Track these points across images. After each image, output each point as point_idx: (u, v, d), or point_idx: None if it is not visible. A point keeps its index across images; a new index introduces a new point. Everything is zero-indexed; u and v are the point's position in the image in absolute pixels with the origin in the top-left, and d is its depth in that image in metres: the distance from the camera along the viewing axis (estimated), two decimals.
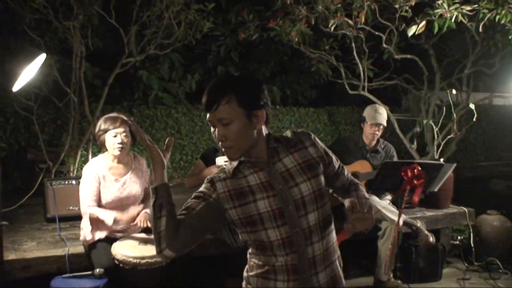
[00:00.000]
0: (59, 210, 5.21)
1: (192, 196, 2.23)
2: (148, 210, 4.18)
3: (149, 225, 4.04)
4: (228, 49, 9.77)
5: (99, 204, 4.07)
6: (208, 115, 2.17)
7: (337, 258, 2.32)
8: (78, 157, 6.52)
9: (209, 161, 4.70)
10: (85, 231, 4.05)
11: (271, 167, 2.20)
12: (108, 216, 3.98)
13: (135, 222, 4.09)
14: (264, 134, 2.23)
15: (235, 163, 2.23)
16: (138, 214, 4.14)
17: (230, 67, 10.12)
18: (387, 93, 8.56)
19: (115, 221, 4.00)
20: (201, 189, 2.25)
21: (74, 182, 5.46)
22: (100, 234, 4.08)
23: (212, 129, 2.19)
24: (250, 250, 2.30)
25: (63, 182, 5.52)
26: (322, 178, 2.26)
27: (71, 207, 5.31)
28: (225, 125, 2.12)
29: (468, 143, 11.64)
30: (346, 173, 2.44)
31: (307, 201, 2.17)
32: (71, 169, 6.46)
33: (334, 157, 2.38)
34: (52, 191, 5.34)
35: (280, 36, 6.71)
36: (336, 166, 2.39)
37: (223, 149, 2.17)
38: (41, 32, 6.49)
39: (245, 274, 2.34)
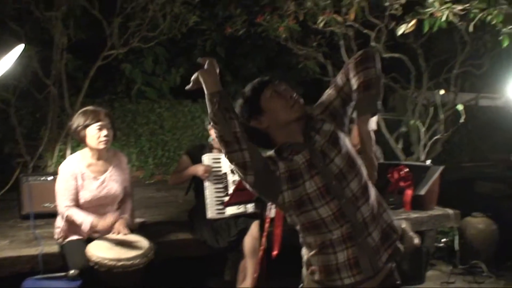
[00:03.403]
0: (34, 207, 5.05)
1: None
2: (125, 216, 4.08)
3: (126, 232, 3.94)
4: (214, 43, 9.65)
5: (77, 204, 3.92)
6: (269, 85, 2.33)
7: (384, 210, 2.40)
8: (56, 151, 6.40)
9: (196, 158, 4.61)
10: (64, 229, 3.93)
11: (310, 146, 2.26)
12: (85, 220, 3.82)
13: (112, 232, 3.94)
14: None
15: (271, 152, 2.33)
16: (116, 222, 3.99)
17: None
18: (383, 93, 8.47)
19: (92, 227, 3.84)
20: (265, 159, 2.26)
21: (50, 178, 5.28)
22: (78, 237, 3.95)
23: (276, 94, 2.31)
24: (301, 233, 2.36)
25: (39, 178, 5.35)
26: (347, 142, 2.35)
27: (47, 204, 5.12)
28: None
29: (454, 144, 11.61)
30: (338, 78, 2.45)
31: (345, 172, 2.25)
32: (49, 164, 6.33)
33: (326, 97, 2.44)
34: (27, 187, 5.18)
35: (268, 31, 6.62)
36: (332, 92, 2.42)
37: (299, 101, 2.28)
38: (22, 22, 6.35)
39: (304, 258, 2.42)
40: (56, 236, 4.03)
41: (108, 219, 3.88)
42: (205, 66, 2.20)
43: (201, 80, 2.18)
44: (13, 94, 6.26)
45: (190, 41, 9.64)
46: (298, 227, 2.34)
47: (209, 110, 2.15)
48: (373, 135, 2.28)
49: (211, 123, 2.16)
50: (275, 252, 3.63)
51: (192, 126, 9.04)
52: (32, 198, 5.11)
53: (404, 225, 5.10)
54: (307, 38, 7.09)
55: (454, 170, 9.95)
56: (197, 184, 4.64)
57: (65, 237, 3.95)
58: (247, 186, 2.23)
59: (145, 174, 8.72)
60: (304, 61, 7.42)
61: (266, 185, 2.22)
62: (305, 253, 2.41)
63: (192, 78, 2.22)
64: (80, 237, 3.93)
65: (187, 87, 2.28)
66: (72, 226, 3.91)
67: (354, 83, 2.29)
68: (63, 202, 3.88)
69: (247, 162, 2.14)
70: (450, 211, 5.90)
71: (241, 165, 2.14)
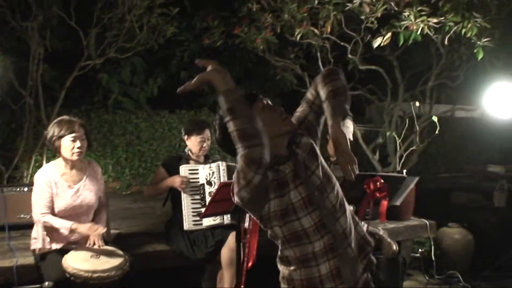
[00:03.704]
0: (9, 218, 4.96)
1: None
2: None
3: (102, 243, 3.92)
4: (192, 54, 9.64)
5: (52, 213, 3.88)
6: (259, 98, 2.39)
7: (357, 223, 2.47)
8: (32, 162, 6.36)
9: (172, 169, 4.60)
10: (41, 239, 3.88)
11: (294, 158, 2.31)
12: (64, 224, 3.79)
13: (88, 243, 3.92)
14: None
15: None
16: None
17: (194, 72, 9.89)
18: (351, 103, 8.52)
19: (71, 231, 3.80)
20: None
21: (26, 189, 5.21)
22: (56, 246, 3.92)
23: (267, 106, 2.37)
24: (281, 246, 2.37)
25: (14, 189, 5.27)
26: (321, 158, 2.41)
27: (22, 215, 5.05)
28: None
29: (430, 155, 11.67)
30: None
31: (325, 184, 2.33)
32: (25, 175, 6.27)
33: (300, 113, 2.55)
34: (2, 198, 5.09)
35: (245, 43, 6.63)
36: (305, 107, 2.54)
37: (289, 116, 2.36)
38: None
39: (285, 272, 2.41)
40: (32, 247, 3.98)
41: (87, 224, 3.87)
42: (210, 67, 2.18)
43: (213, 78, 2.14)
44: None
45: (168, 51, 9.63)
46: (278, 241, 2.36)
47: (226, 106, 2.12)
48: (349, 143, 2.29)
49: (227, 118, 2.13)
50: (250, 263, 3.63)
51: (169, 137, 9.00)
52: (7, 209, 5.03)
53: (381, 232, 5.15)
54: (284, 50, 7.11)
55: (430, 180, 10.03)
56: (174, 195, 4.62)
57: (42, 248, 3.90)
58: (239, 196, 2.20)
59: (122, 185, 8.64)
60: (281, 72, 7.44)
61: (261, 191, 2.20)
62: (283, 269, 2.42)
63: (199, 77, 2.17)
64: (58, 246, 3.90)
65: (186, 87, 2.21)
66: (51, 233, 3.88)
67: (323, 94, 2.40)
68: (38, 209, 3.85)
69: (263, 159, 2.14)
70: (426, 221, 5.95)
71: (258, 161, 2.12)
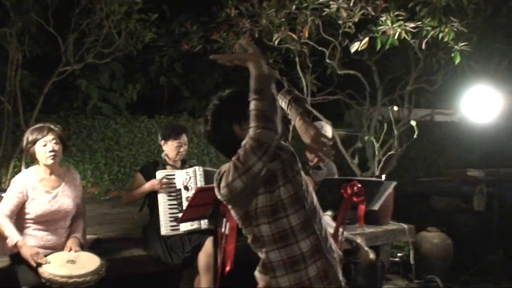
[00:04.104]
0: None
1: None
2: (77, 235, 4.02)
3: (78, 249, 3.89)
4: (171, 60, 9.63)
5: (27, 218, 3.86)
6: None
7: (326, 233, 2.48)
8: (11, 168, 6.31)
9: (149, 175, 4.57)
10: (11, 236, 3.75)
11: (279, 158, 2.33)
12: (13, 236, 3.72)
13: (66, 249, 3.88)
14: None
15: None
16: (62, 240, 3.96)
17: (173, 78, 9.97)
18: (330, 107, 8.58)
19: (16, 246, 3.71)
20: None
21: (3, 194, 5.15)
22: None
23: None
24: (267, 248, 2.33)
25: None
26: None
27: None
28: None
29: (409, 159, 11.76)
30: None
31: (306, 186, 2.38)
32: (3, 180, 6.23)
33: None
34: None
35: (224, 48, 6.62)
36: None
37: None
38: None
39: (269, 281, 2.36)
40: (8, 246, 3.87)
41: (33, 249, 3.75)
42: (251, 50, 2.26)
43: (251, 59, 2.21)
44: None
45: (147, 57, 9.63)
46: (260, 246, 2.34)
47: (255, 86, 2.16)
48: (330, 142, 2.37)
49: (253, 96, 2.16)
50: (227, 268, 3.61)
51: (148, 142, 8.97)
52: None
53: (359, 240, 5.17)
54: (263, 55, 7.10)
55: (410, 185, 10.10)
56: (151, 200, 4.59)
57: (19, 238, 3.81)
58: (231, 187, 2.21)
59: (101, 190, 8.60)
60: None
61: (255, 183, 2.22)
62: (265, 278, 2.37)
63: (238, 56, 2.28)
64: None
65: (221, 57, 2.31)
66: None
67: (285, 105, 2.47)
68: (1, 209, 3.82)
69: (271, 147, 2.15)
70: (405, 225, 5.96)
71: (266, 146, 2.13)
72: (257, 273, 2.42)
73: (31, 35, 6.73)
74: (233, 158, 2.19)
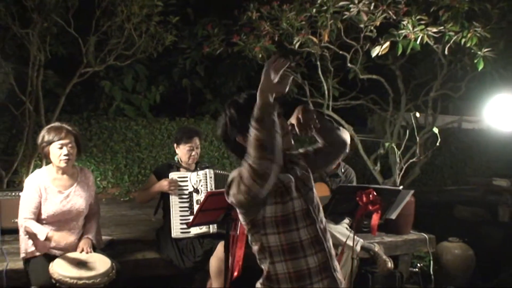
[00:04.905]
0: (4, 222, 5.03)
1: None
2: (90, 236, 4.04)
3: (91, 251, 3.92)
4: (194, 62, 9.63)
5: (39, 218, 3.86)
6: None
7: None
8: (32, 167, 6.35)
9: (162, 176, 4.57)
10: (25, 243, 3.84)
11: (291, 172, 2.39)
12: (41, 231, 3.74)
13: (78, 250, 3.90)
14: None
15: None
16: (75, 240, 3.96)
17: (195, 80, 9.97)
18: (353, 112, 8.49)
19: (47, 238, 3.73)
20: None
21: (21, 193, 5.22)
22: (38, 253, 3.88)
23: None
24: (273, 259, 2.30)
25: (9, 194, 5.35)
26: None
27: (16, 220, 5.05)
28: None
29: (435, 167, 11.59)
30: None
31: (318, 205, 2.44)
32: (24, 179, 6.26)
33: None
34: None
35: (244, 51, 6.58)
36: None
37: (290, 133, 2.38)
38: None
39: None
40: (21, 251, 3.94)
41: (67, 236, 3.81)
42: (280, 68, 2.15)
43: (278, 82, 2.14)
44: None
45: (171, 59, 9.64)
46: (271, 251, 2.29)
47: (258, 115, 2.09)
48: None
49: (254, 124, 2.09)
50: (235, 274, 3.57)
51: (168, 144, 8.93)
52: (2, 213, 5.10)
53: (376, 248, 5.07)
54: (285, 58, 7.03)
55: (435, 193, 9.94)
56: (165, 203, 4.59)
57: (25, 252, 3.87)
58: (236, 198, 2.19)
59: (121, 191, 8.63)
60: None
61: (260, 200, 2.21)
62: None
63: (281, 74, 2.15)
64: (39, 253, 3.86)
65: (276, 61, 2.16)
66: (33, 240, 3.83)
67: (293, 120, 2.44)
68: (22, 214, 3.83)
69: (270, 176, 2.09)
70: (425, 235, 5.85)
71: (266, 176, 2.08)
72: (259, 286, 2.38)
73: (54, 36, 6.79)
74: (236, 175, 2.17)
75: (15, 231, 4.87)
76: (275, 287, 2.30)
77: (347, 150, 2.58)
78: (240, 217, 2.36)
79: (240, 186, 2.14)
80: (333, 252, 2.41)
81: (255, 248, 2.35)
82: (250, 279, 2.52)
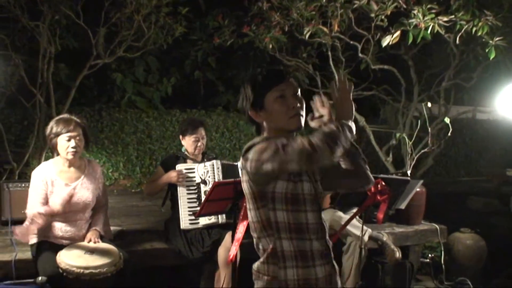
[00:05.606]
0: (14, 213, 5.02)
1: None
2: (98, 227, 4.05)
3: (98, 241, 3.93)
4: (206, 54, 9.63)
5: None
6: (281, 84, 2.34)
7: None
8: (43, 159, 6.38)
9: (169, 168, 4.58)
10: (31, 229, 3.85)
11: None
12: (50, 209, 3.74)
13: (86, 241, 3.92)
14: None
15: None
16: (83, 232, 4.00)
17: (207, 72, 9.97)
18: (365, 103, 8.44)
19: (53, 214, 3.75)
20: None
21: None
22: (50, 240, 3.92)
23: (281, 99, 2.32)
24: (280, 234, 2.29)
25: (20, 185, 5.33)
26: None
27: (25, 211, 5.13)
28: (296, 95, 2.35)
29: (449, 158, 11.51)
30: None
31: (321, 199, 2.45)
32: None
33: None
34: (8, 194, 5.19)
35: (254, 42, 6.56)
36: None
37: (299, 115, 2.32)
38: (9, 31, 6.43)
39: (275, 269, 2.30)
40: (30, 242, 3.99)
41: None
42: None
43: (345, 108, 2.31)
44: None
45: (182, 51, 9.64)
46: (278, 227, 2.28)
47: (323, 138, 2.11)
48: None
49: (314, 146, 2.09)
50: (231, 257, 3.56)
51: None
52: (12, 204, 5.10)
53: (385, 238, 5.04)
54: (296, 49, 7.03)
55: (448, 184, 9.88)
56: (173, 194, 4.60)
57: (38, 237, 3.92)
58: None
59: (132, 183, 8.68)
60: (293, 72, 7.35)
61: (281, 174, 2.23)
62: (272, 269, 2.29)
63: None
64: (51, 240, 3.91)
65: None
66: (44, 229, 3.87)
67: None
68: (33, 206, 3.84)
69: (319, 162, 2.14)
70: (436, 226, 5.80)
71: (315, 158, 2.10)
72: (259, 265, 2.34)
73: (64, 28, 6.81)
74: (279, 142, 2.15)
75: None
76: (280, 264, 2.28)
77: (366, 188, 2.56)
78: (246, 186, 2.34)
79: (275, 154, 2.12)
80: (330, 243, 2.42)
81: (258, 226, 2.32)
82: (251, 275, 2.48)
